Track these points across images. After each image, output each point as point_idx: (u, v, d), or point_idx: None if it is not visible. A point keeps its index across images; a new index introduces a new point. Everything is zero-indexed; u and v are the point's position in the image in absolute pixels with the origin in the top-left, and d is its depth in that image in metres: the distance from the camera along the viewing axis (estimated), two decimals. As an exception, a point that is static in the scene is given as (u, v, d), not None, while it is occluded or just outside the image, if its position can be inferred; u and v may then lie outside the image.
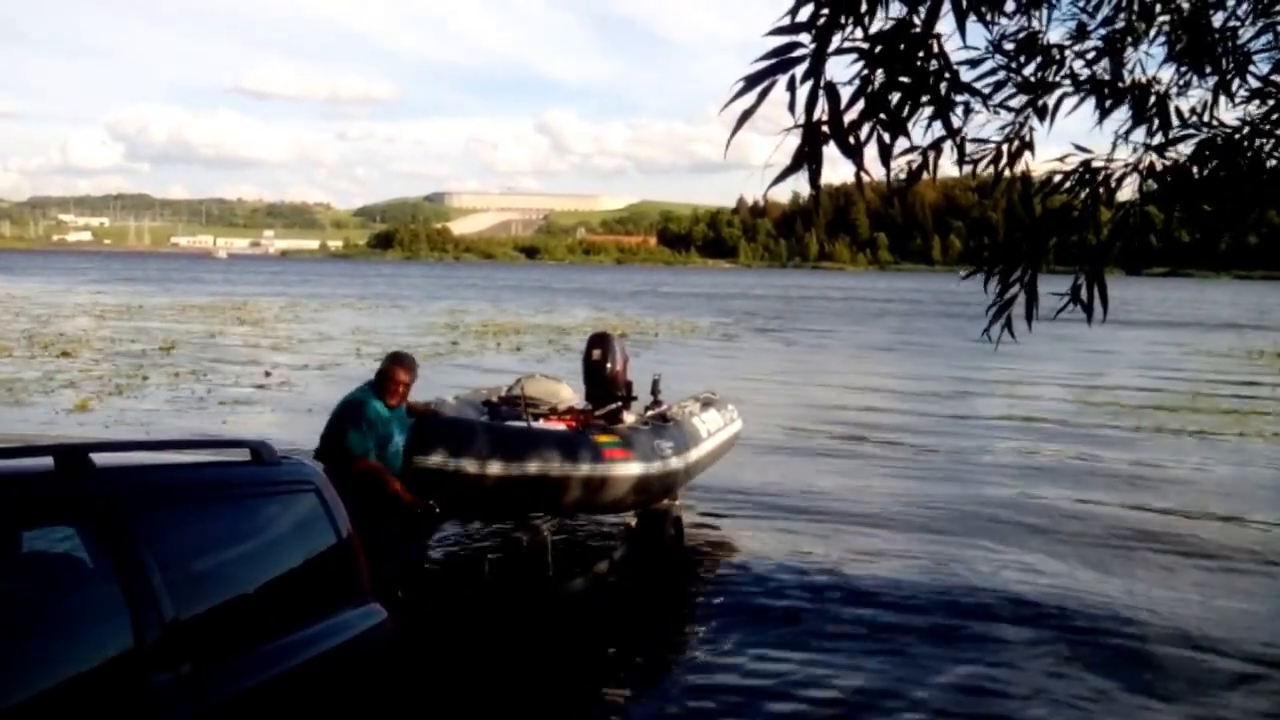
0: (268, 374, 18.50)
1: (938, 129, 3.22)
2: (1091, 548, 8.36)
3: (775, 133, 2.83)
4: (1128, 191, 3.94)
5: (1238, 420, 15.78)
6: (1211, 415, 16.24)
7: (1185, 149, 3.89)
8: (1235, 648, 6.18)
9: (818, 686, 5.54)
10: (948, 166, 3.64)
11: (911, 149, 3.46)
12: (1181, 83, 3.99)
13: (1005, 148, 3.88)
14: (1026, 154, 3.90)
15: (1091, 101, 3.92)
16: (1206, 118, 3.96)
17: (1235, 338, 35.01)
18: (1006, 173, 3.92)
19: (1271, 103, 3.90)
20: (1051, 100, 3.83)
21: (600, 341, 8.64)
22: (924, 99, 2.99)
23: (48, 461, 2.79)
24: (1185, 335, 35.80)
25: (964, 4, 2.90)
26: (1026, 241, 3.86)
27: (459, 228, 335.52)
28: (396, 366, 6.22)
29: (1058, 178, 3.96)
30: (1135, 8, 3.91)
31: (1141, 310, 50.44)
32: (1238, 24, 4.01)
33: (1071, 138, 3.98)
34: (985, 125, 3.83)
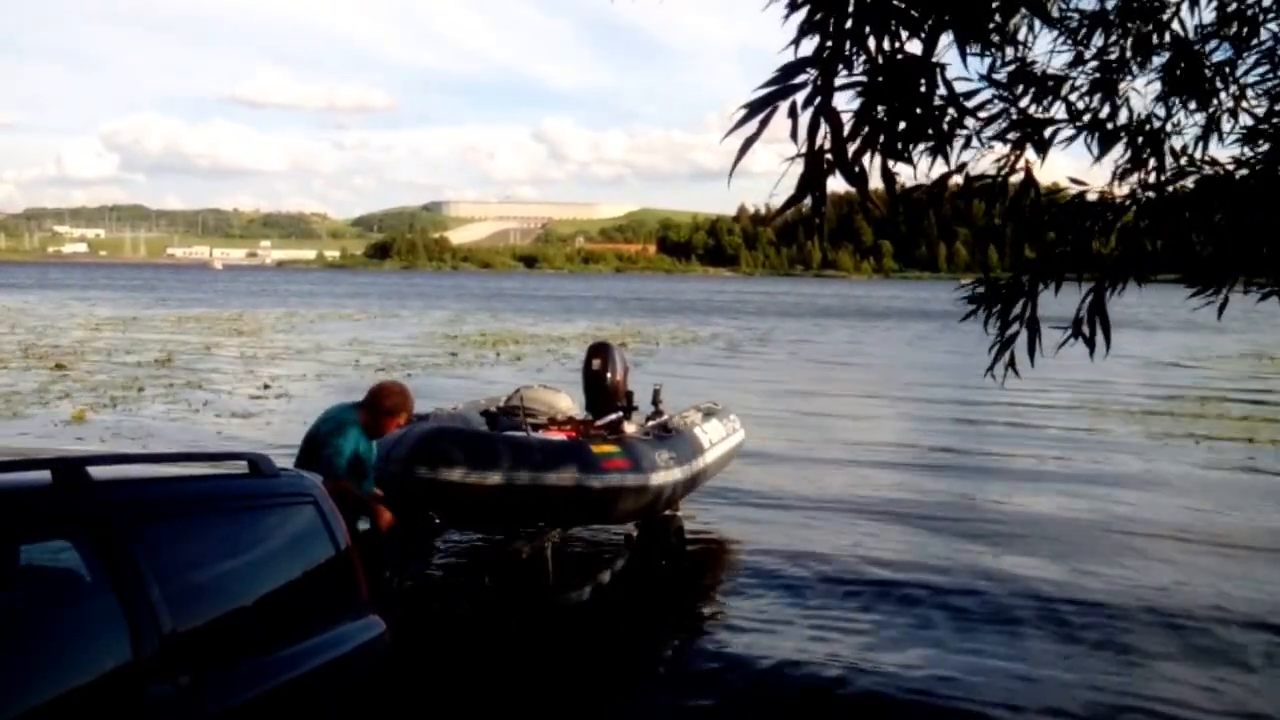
0: (266, 385, 18.47)
1: (942, 161, 3.18)
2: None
3: (774, 142, 2.82)
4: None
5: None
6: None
7: (1183, 185, 3.91)
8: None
9: (821, 695, 5.53)
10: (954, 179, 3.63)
11: (918, 187, 3.43)
12: (1174, 122, 4.01)
13: (1009, 173, 3.87)
14: (1031, 181, 3.90)
15: (1088, 140, 3.93)
16: (1199, 155, 3.98)
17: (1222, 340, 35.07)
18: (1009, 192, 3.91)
19: (1266, 144, 3.90)
20: (1047, 133, 3.83)
21: (600, 351, 8.63)
22: (928, 131, 2.97)
23: (45, 475, 2.78)
24: (1176, 338, 35.87)
25: (963, 30, 2.88)
26: (1030, 274, 3.84)
27: (457, 237, 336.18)
28: (405, 407, 5.67)
29: (1053, 213, 3.98)
30: (1129, 40, 3.92)
31: (1137, 316, 50.53)
32: (1233, 56, 4.03)
33: (1071, 164, 4.01)
34: (982, 160, 3.84)
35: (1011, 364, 3.87)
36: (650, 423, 8.19)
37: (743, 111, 2.70)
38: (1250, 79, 4.08)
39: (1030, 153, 3.85)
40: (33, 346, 25.33)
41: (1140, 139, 3.94)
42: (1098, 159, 3.94)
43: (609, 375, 8.42)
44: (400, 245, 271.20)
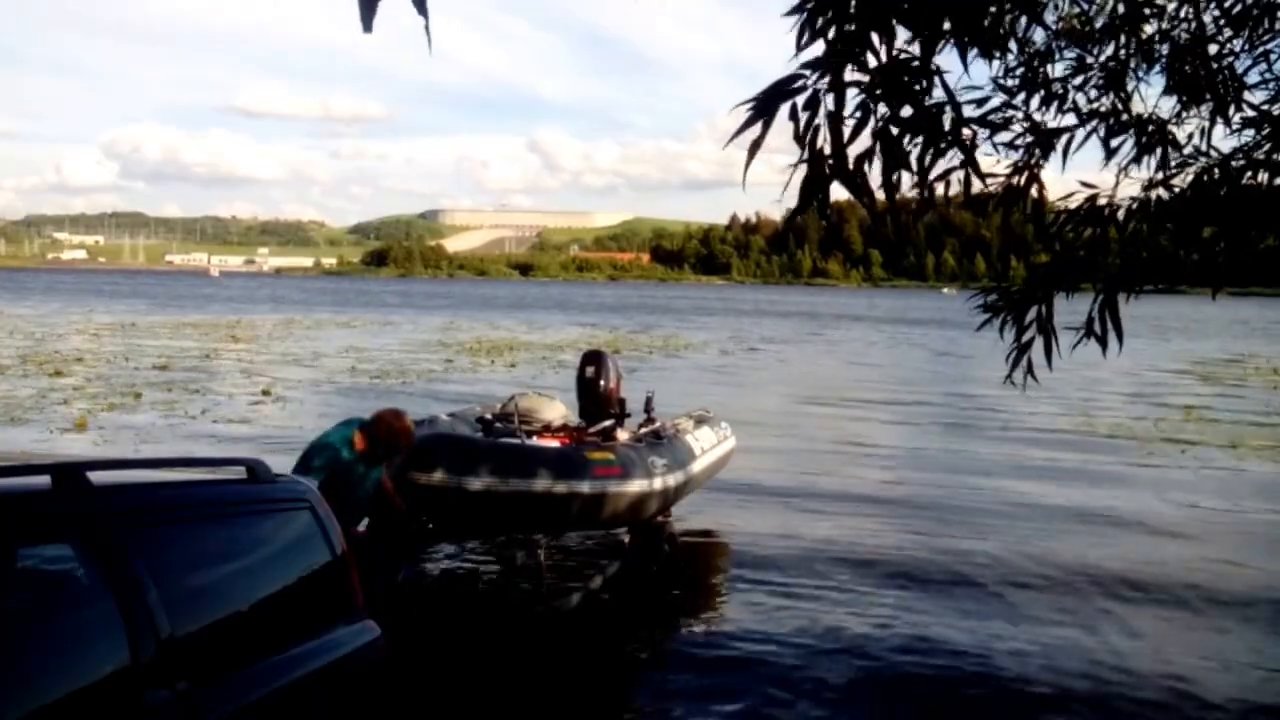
0: (265, 392, 18.49)
1: (945, 161, 3.13)
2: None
3: (765, 151, 2.84)
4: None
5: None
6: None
7: (1187, 178, 3.94)
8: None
9: (814, 694, 5.59)
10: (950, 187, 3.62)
11: (918, 184, 3.45)
12: (1178, 112, 4.04)
13: (1016, 179, 3.88)
14: (1036, 185, 3.91)
15: (1096, 139, 3.95)
16: (1204, 145, 4.01)
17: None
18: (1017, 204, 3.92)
19: (1267, 129, 3.93)
20: (1060, 141, 3.83)
21: (594, 359, 8.69)
22: (943, 132, 2.95)
23: (45, 480, 2.80)
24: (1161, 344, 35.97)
25: (965, 37, 2.89)
26: (1042, 283, 3.85)
27: (453, 245, 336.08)
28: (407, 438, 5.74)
29: (1063, 217, 4.00)
30: (1134, 43, 3.95)
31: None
32: (1232, 56, 4.07)
33: (1078, 172, 4.04)
34: (994, 166, 3.85)
35: (1030, 370, 3.86)
36: (642, 430, 8.26)
37: (746, 114, 2.71)
38: (1252, 76, 4.12)
39: (1040, 157, 3.87)
40: (32, 353, 25.32)
41: (1149, 131, 3.96)
42: (1109, 155, 3.96)
43: (602, 382, 8.48)
44: (397, 253, 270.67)
